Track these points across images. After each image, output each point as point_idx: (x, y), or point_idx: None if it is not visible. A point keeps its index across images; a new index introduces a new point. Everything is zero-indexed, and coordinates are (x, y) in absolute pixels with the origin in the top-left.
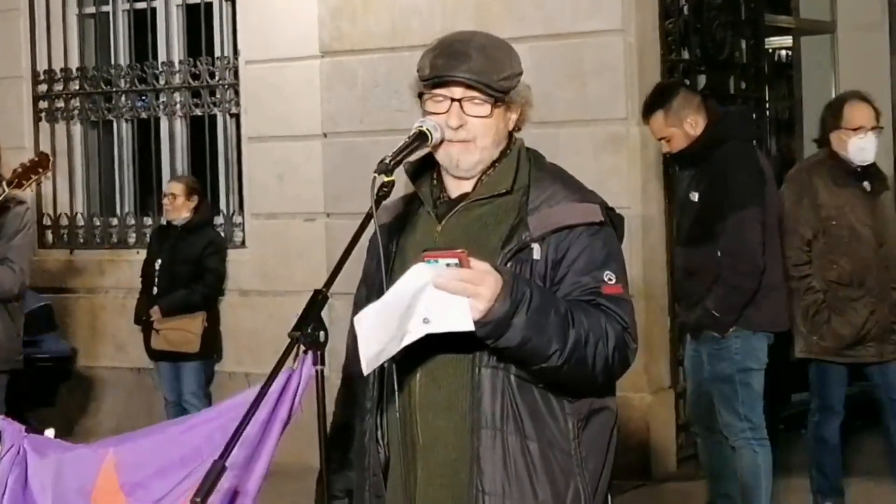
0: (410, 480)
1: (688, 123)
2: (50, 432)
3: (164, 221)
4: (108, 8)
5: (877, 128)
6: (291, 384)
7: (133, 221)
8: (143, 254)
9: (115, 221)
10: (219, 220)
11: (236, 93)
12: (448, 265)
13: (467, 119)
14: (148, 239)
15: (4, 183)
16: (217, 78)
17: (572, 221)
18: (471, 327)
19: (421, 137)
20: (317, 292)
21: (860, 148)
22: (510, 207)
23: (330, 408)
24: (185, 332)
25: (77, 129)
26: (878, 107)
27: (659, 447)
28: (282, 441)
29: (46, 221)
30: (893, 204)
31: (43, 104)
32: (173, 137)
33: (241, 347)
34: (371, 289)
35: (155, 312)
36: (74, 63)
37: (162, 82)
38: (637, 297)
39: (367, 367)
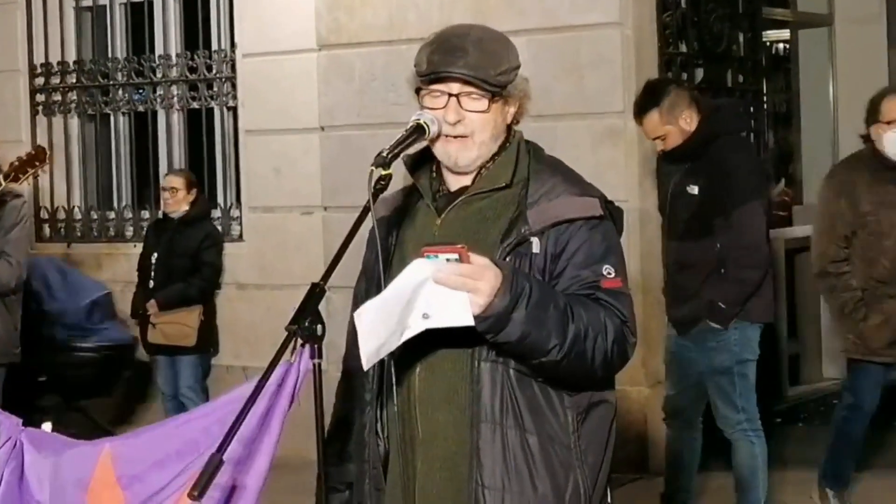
0: (410, 473)
1: (682, 120)
2: (47, 426)
3: (160, 215)
4: (104, 1)
5: None
6: (289, 378)
7: (130, 215)
8: (140, 247)
9: (112, 215)
10: (216, 213)
11: (233, 86)
12: (448, 260)
13: (465, 114)
14: (145, 232)
15: (1, 176)
16: (214, 71)
17: (572, 215)
18: (470, 322)
19: (418, 131)
20: (314, 286)
21: (893, 142)
22: (509, 201)
23: (328, 401)
24: (181, 325)
25: (74, 122)
26: None
27: (656, 440)
28: (281, 435)
29: (44, 215)
30: None
31: (40, 97)
32: (170, 131)
33: (239, 341)
34: (371, 282)
35: (151, 306)
36: (71, 56)
37: (159, 75)
38: (635, 291)
39: (367, 362)
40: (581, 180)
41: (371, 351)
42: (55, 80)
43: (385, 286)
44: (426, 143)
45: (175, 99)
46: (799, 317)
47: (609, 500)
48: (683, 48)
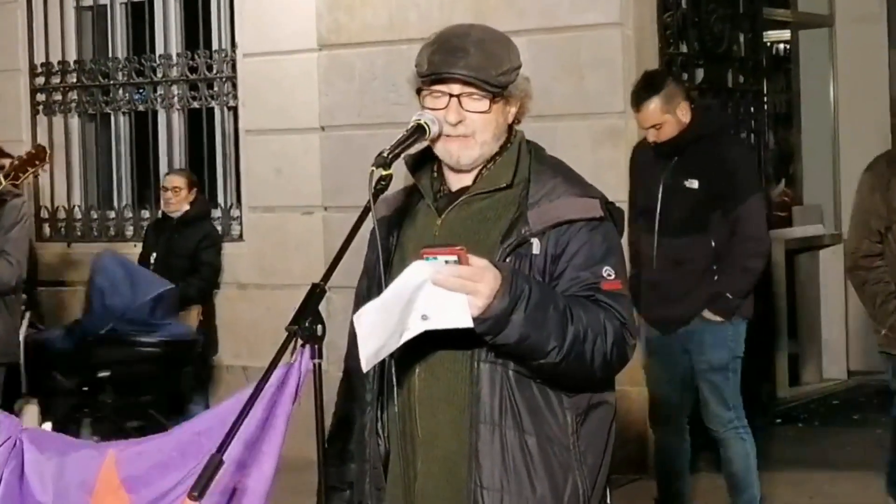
0: (410, 473)
1: (679, 111)
2: (47, 426)
3: (160, 215)
4: (105, 0)
5: None
6: (290, 379)
7: (130, 214)
8: (140, 247)
9: (112, 214)
10: (216, 213)
11: (234, 86)
12: (447, 262)
13: (466, 115)
14: (144, 232)
15: (1, 176)
16: (215, 71)
17: (572, 216)
18: (469, 324)
19: (419, 131)
20: (314, 286)
21: None
22: (510, 201)
23: (329, 401)
24: None
25: (74, 121)
26: None
27: None
28: (285, 437)
29: (44, 214)
30: None
31: (40, 97)
32: (171, 130)
33: (239, 341)
34: (372, 281)
35: None
36: (72, 56)
37: (159, 75)
38: None
39: (366, 364)
40: (582, 181)
41: (370, 353)
42: (56, 80)
43: (385, 286)
44: (427, 143)
45: (175, 99)
46: (799, 317)
47: (608, 502)
48: (684, 48)
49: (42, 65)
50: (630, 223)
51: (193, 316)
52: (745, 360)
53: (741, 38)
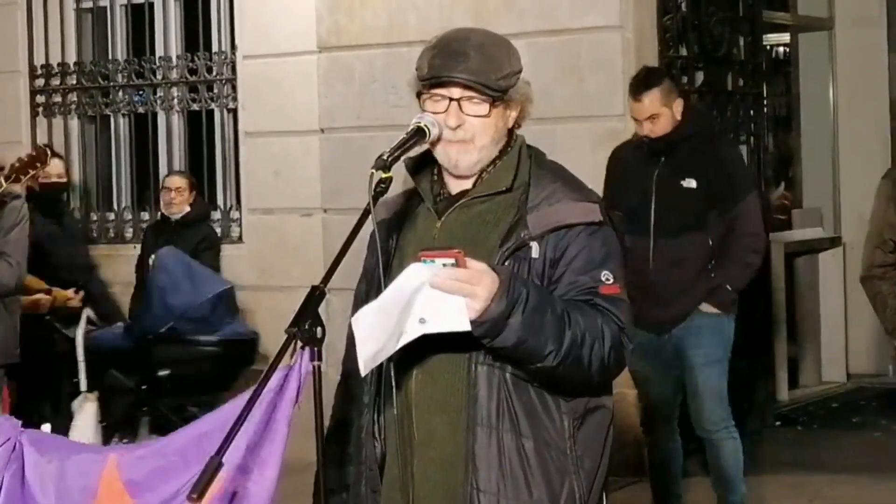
0: (406, 476)
1: (675, 106)
2: (46, 427)
3: (158, 216)
4: (105, 2)
5: None
6: (291, 382)
7: (130, 216)
8: (139, 249)
9: (111, 216)
10: (216, 215)
11: (234, 88)
12: (444, 265)
13: (465, 119)
14: (143, 234)
15: (2, 177)
16: (214, 73)
17: (571, 220)
18: (467, 327)
19: (419, 133)
20: (314, 288)
21: None
22: (510, 205)
23: (328, 403)
24: None
25: (74, 123)
26: None
27: None
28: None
29: None
30: None
31: (40, 99)
32: (170, 132)
33: None
34: (371, 284)
35: None
36: (72, 58)
37: (159, 77)
38: None
39: (364, 367)
40: (582, 186)
41: (368, 356)
42: (55, 82)
43: (384, 289)
44: (427, 146)
45: (175, 101)
46: (798, 320)
47: None
48: (684, 51)
49: (42, 66)
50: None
51: None
52: (744, 363)
53: (741, 41)
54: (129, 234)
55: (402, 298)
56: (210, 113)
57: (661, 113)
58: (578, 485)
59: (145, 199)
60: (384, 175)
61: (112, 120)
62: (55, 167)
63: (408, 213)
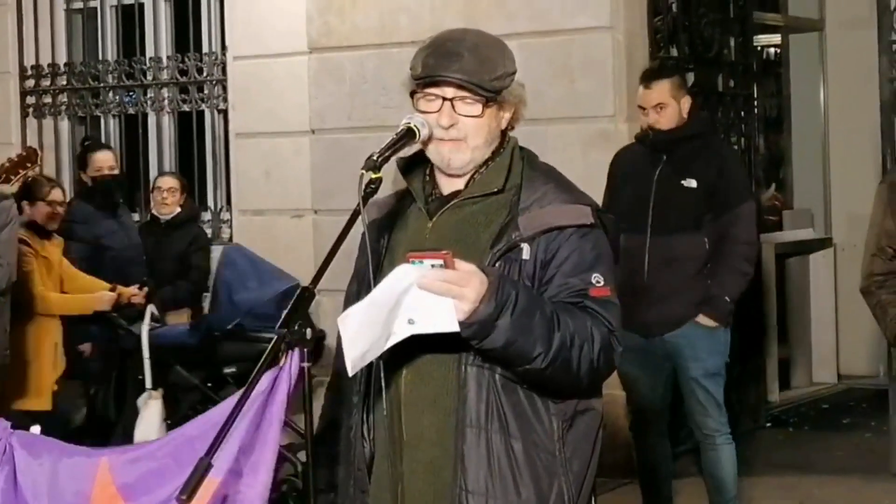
0: (395, 477)
1: (683, 102)
2: (36, 429)
3: (148, 217)
4: (95, 3)
5: None
6: (281, 384)
7: None
8: None
9: None
10: (206, 216)
11: (224, 89)
12: (433, 266)
13: (458, 118)
14: None
15: None
16: (205, 74)
17: (562, 223)
18: (455, 328)
19: (408, 134)
20: (304, 289)
21: None
22: (501, 206)
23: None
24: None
25: (64, 124)
26: None
27: None
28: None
29: None
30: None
31: (30, 99)
32: (161, 133)
33: None
34: (361, 285)
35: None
36: (62, 58)
37: (149, 78)
38: None
39: (352, 367)
40: (573, 188)
41: (356, 356)
42: (45, 83)
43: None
44: (417, 146)
45: (165, 101)
46: (789, 322)
47: None
48: (674, 52)
49: (32, 67)
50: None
51: (184, 319)
52: (735, 365)
53: (732, 42)
54: None
55: (390, 299)
56: (200, 114)
57: (669, 104)
58: (567, 486)
59: (135, 200)
60: (374, 176)
61: (102, 121)
62: (107, 159)
63: (399, 213)
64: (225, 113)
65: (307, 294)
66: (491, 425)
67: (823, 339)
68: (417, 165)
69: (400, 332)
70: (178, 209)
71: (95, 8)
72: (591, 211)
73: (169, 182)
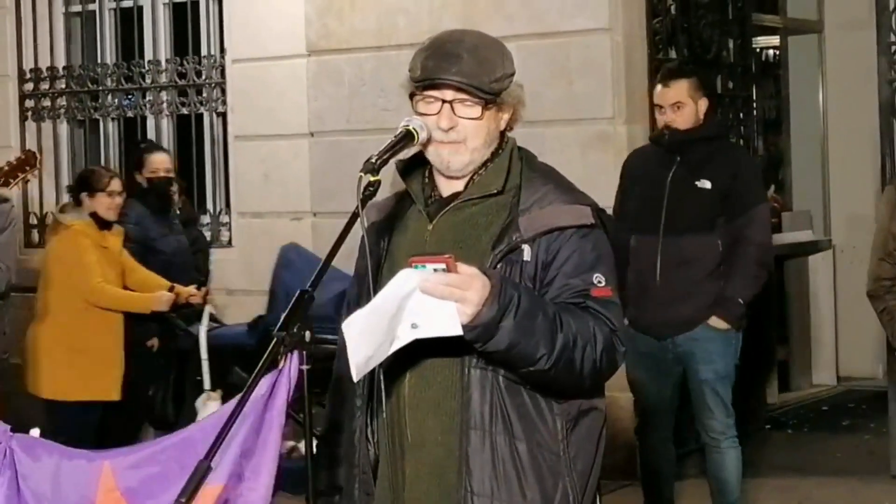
0: (399, 479)
1: (701, 103)
2: (35, 432)
3: None
4: (94, 6)
5: None
6: (280, 388)
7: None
8: None
9: None
10: (205, 218)
11: (223, 91)
12: (435, 270)
13: (458, 121)
14: None
15: None
16: (204, 76)
17: (563, 223)
18: (459, 332)
19: (407, 137)
20: (303, 292)
21: None
22: (501, 208)
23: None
24: None
25: (63, 127)
26: None
27: None
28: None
29: (32, 220)
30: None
31: (29, 103)
32: (160, 136)
33: None
34: (362, 288)
35: None
36: (61, 62)
37: (148, 81)
38: None
39: (356, 373)
40: (573, 188)
41: (360, 362)
42: (44, 86)
43: (374, 292)
44: (415, 148)
45: (164, 104)
46: (788, 323)
47: None
48: (673, 54)
49: (31, 70)
50: (620, 229)
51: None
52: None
53: (730, 44)
54: None
55: (393, 304)
56: (199, 117)
57: (686, 103)
58: (572, 486)
59: None
60: (373, 178)
61: (101, 124)
62: (163, 161)
63: (399, 215)
64: (224, 116)
65: (306, 296)
66: (495, 427)
67: (823, 340)
68: (416, 167)
69: (403, 337)
70: (177, 212)
71: (94, 11)
72: (592, 211)
73: None
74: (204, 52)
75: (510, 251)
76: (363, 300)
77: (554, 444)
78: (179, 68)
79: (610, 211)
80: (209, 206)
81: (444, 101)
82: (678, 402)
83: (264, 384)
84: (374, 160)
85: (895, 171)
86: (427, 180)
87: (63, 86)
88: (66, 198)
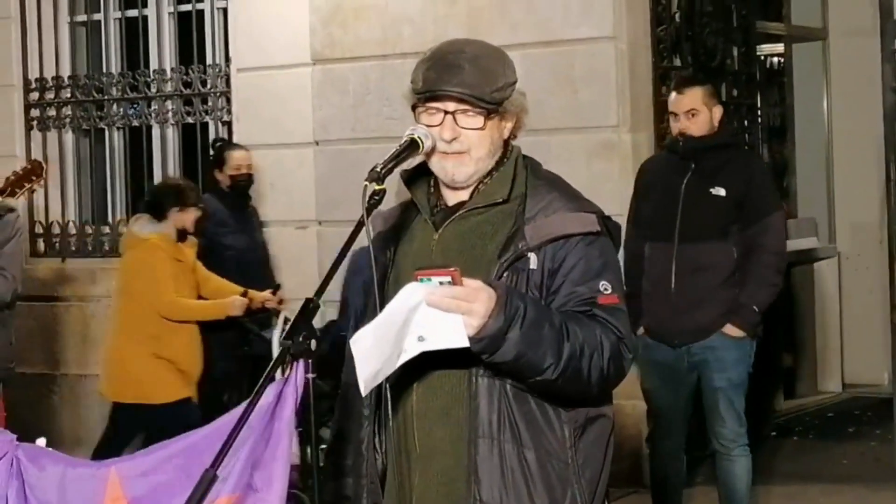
0: (407, 489)
1: (715, 111)
2: (41, 441)
3: None
4: (99, 16)
5: None
6: (288, 397)
7: (125, 230)
8: None
9: (106, 229)
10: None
11: (228, 101)
12: (441, 283)
13: (461, 131)
14: None
15: None
16: (209, 86)
17: (569, 231)
18: (465, 344)
19: (412, 146)
20: (308, 300)
21: None
22: (507, 216)
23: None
24: None
25: (69, 137)
26: None
27: None
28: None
29: (38, 230)
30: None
31: (34, 112)
32: (165, 145)
33: None
34: (369, 297)
35: None
36: (66, 71)
37: (154, 90)
38: None
39: (364, 388)
40: (578, 196)
41: (368, 376)
42: (50, 95)
43: (380, 302)
44: (421, 157)
45: (170, 114)
46: (794, 331)
47: None
48: (678, 62)
49: (36, 80)
50: (635, 237)
51: None
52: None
53: (735, 52)
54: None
55: (399, 317)
56: (205, 126)
57: (701, 111)
58: (580, 494)
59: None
60: (378, 187)
61: (107, 133)
62: (245, 158)
63: (405, 225)
64: (229, 125)
65: (311, 305)
66: (503, 435)
67: (828, 347)
68: (421, 177)
69: (410, 350)
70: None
71: (99, 21)
72: (597, 218)
73: None
74: (209, 61)
75: (516, 259)
76: (369, 310)
77: (562, 451)
78: (184, 77)
79: (616, 218)
80: None
81: (446, 112)
82: (692, 411)
83: (270, 392)
84: (378, 169)
85: None
86: (432, 190)
87: (68, 95)
88: (71, 208)
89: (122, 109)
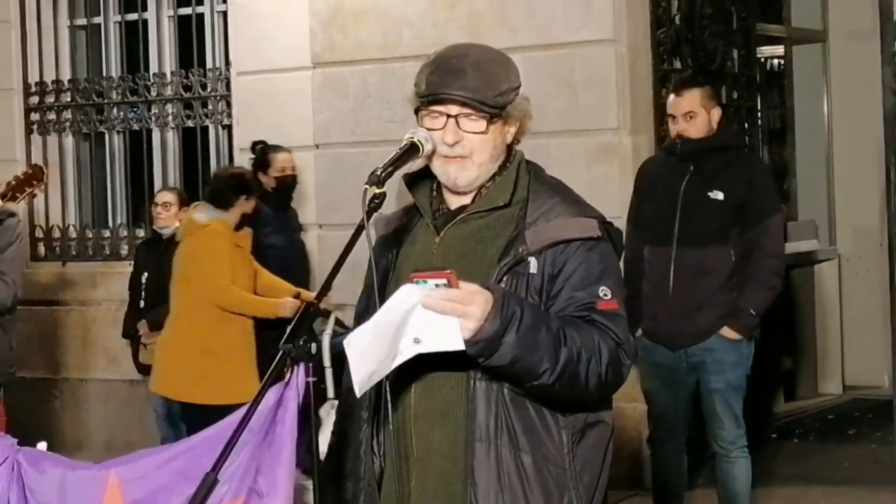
0: (404, 491)
1: (714, 113)
2: (42, 445)
3: (150, 233)
4: (99, 20)
5: None
6: (289, 401)
7: (125, 233)
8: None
9: (107, 233)
10: None
11: (228, 104)
12: (437, 285)
13: (463, 135)
14: (135, 251)
15: None
16: (209, 89)
17: (569, 236)
18: (461, 347)
19: (412, 149)
20: (308, 304)
21: None
22: (508, 220)
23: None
24: None
25: (69, 141)
26: None
27: None
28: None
29: (38, 234)
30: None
31: (35, 116)
32: (165, 149)
33: None
34: (370, 300)
35: (142, 326)
36: (66, 75)
37: (154, 94)
38: None
39: (359, 389)
40: (580, 201)
41: (363, 377)
42: (50, 99)
43: (380, 305)
44: (420, 160)
45: (170, 117)
46: (794, 333)
47: None
48: (678, 65)
49: (36, 84)
50: (635, 238)
51: None
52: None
53: (735, 54)
54: (124, 250)
55: (395, 319)
56: (205, 129)
57: (699, 113)
58: (577, 499)
59: (140, 216)
60: (378, 190)
61: (107, 137)
62: (288, 159)
63: (407, 228)
64: (229, 128)
65: (311, 309)
66: (500, 439)
67: (829, 350)
68: (423, 180)
69: (406, 352)
70: (178, 223)
71: (99, 24)
72: (598, 223)
73: (164, 196)
74: (209, 64)
75: (516, 264)
76: (370, 313)
77: (559, 457)
78: (185, 81)
79: (617, 223)
80: None
81: (448, 116)
82: (692, 413)
83: (271, 396)
84: (378, 172)
85: None
86: (434, 193)
87: (68, 99)
88: (72, 212)
89: (122, 113)
